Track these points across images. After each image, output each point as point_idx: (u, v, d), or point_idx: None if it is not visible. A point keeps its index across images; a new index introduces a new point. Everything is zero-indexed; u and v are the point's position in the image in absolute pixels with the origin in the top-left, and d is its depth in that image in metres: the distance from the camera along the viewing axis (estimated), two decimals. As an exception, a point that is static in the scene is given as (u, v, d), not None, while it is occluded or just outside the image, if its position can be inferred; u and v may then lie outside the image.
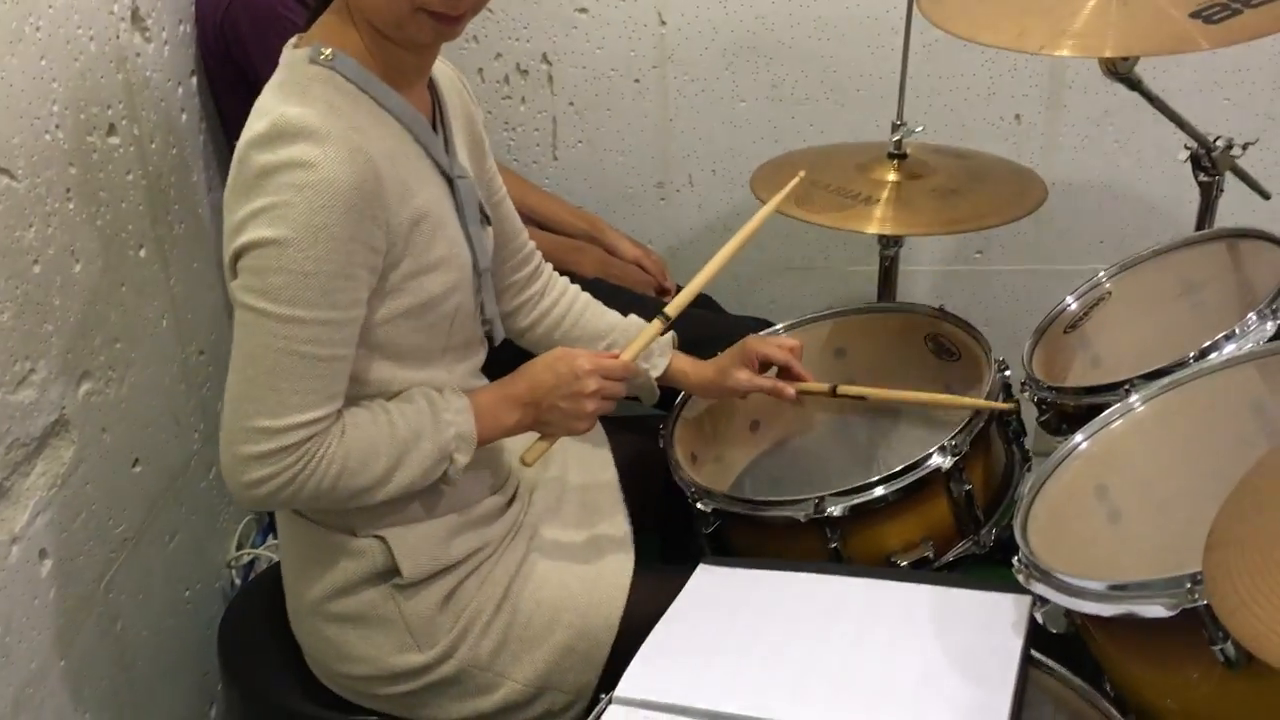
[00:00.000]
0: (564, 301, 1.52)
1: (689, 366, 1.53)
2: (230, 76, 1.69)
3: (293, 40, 1.21)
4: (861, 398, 1.54)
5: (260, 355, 1.10)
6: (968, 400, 1.48)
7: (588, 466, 1.51)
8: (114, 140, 1.48)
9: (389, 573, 1.25)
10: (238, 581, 1.83)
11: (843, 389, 1.53)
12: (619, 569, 1.36)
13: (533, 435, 1.33)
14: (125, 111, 1.51)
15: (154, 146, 1.59)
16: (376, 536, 1.24)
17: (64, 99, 1.36)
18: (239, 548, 1.85)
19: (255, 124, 1.10)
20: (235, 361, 1.12)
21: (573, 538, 1.41)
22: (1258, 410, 1.24)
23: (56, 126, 1.35)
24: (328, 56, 1.15)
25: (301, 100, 1.10)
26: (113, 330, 1.47)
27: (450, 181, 1.25)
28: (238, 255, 1.10)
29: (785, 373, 1.53)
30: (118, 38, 1.49)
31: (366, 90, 1.16)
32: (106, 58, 1.47)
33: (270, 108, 1.10)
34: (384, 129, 1.16)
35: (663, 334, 1.44)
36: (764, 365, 1.52)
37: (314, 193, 1.06)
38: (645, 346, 1.39)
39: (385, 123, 1.17)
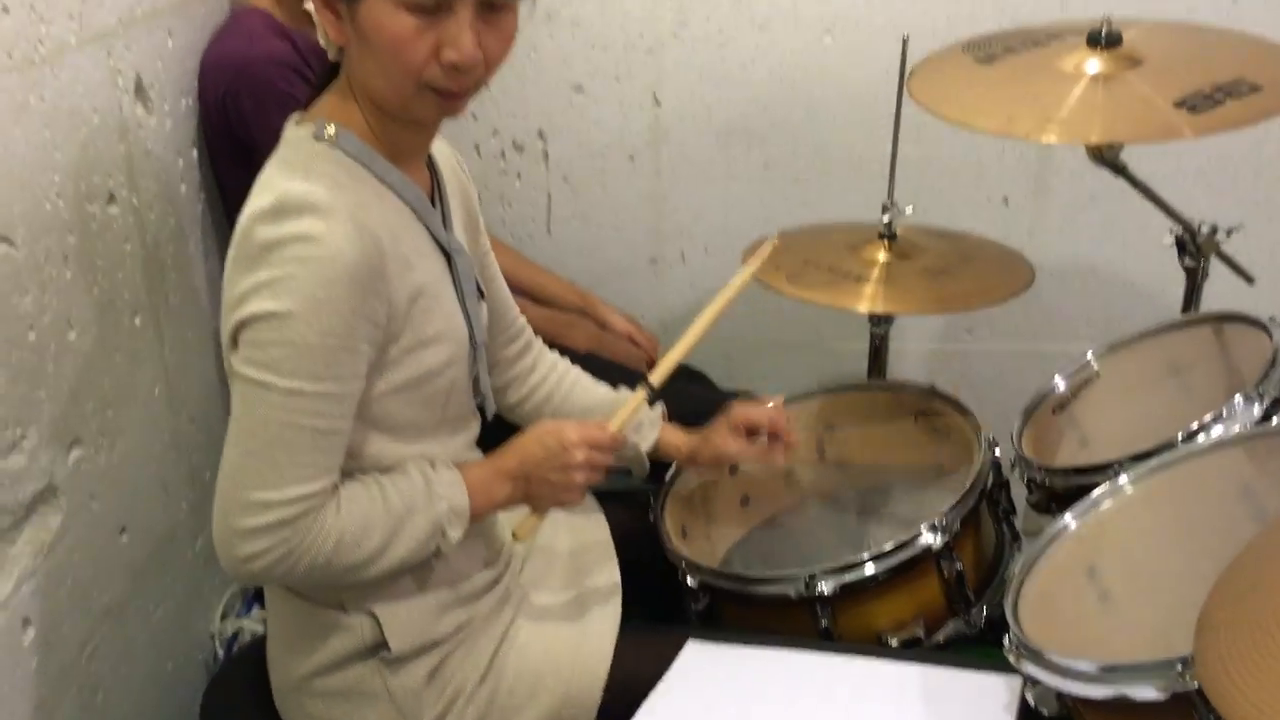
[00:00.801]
0: (553, 376, 1.53)
1: (678, 438, 1.54)
2: (231, 150, 1.71)
3: (294, 117, 1.22)
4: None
5: (260, 428, 1.10)
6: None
7: (579, 531, 1.51)
8: (113, 210, 1.50)
9: (377, 647, 1.24)
10: (221, 653, 1.81)
11: (831, 451, 1.54)
12: (603, 631, 1.34)
13: (523, 510, 1.33)
14: (125, 181, 1.53)
15: (153, 217, 1.60)
16: (367, 613, 1.23)
17: (65, 168, 1.38)
18: (223, 618, 1.83)
19: (259, 199, 1.11)
20: (233, 435, 1.12)
21: (559, 601, 1.40)
22: (1246, 492, 1.25)
23: (57, 195, 1.37)
24: (331, 135, 1.16)
25: (306, 176, 1.11)
26: (105, 397, 1.48)
27: (448, 256, 1.26)
28: (239, 328, 1.10)
29: (774, 438, 1.53)
30: (121, 110, 1.52)
31: (369, 167, 1.18)
32: (109, 129, 1.49)
33: (274, 183, 1.12)
34: (386, 205, 1.18)
35: (651, 404, 1.45)
36: (751, 431, 1.53)
37: (318, 266, 1.07)
38: (632, 416, 1.39)
39: (387, 199, 1.19)
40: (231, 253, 1.13)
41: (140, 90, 1.57)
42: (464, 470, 1.27)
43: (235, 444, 1.12)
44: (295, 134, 1.19)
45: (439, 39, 1.11)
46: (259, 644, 1.42)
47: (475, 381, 1.32)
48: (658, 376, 1.43)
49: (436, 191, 1.29)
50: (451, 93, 1.15)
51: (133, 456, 1.55)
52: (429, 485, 1.22)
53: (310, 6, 1.16)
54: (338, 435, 1.13)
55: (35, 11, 1.32)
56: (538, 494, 1.30)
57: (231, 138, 1.70)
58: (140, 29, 1.56)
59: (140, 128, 1.57)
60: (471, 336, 1.28)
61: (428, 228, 1.23)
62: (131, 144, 1.54)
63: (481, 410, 1.37)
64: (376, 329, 1.13)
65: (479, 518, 1.27)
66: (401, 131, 1.20)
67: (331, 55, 1.20)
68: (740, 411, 1.52)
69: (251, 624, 1.82)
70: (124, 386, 1.53)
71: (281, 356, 1.08)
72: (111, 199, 1.49)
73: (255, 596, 1.88)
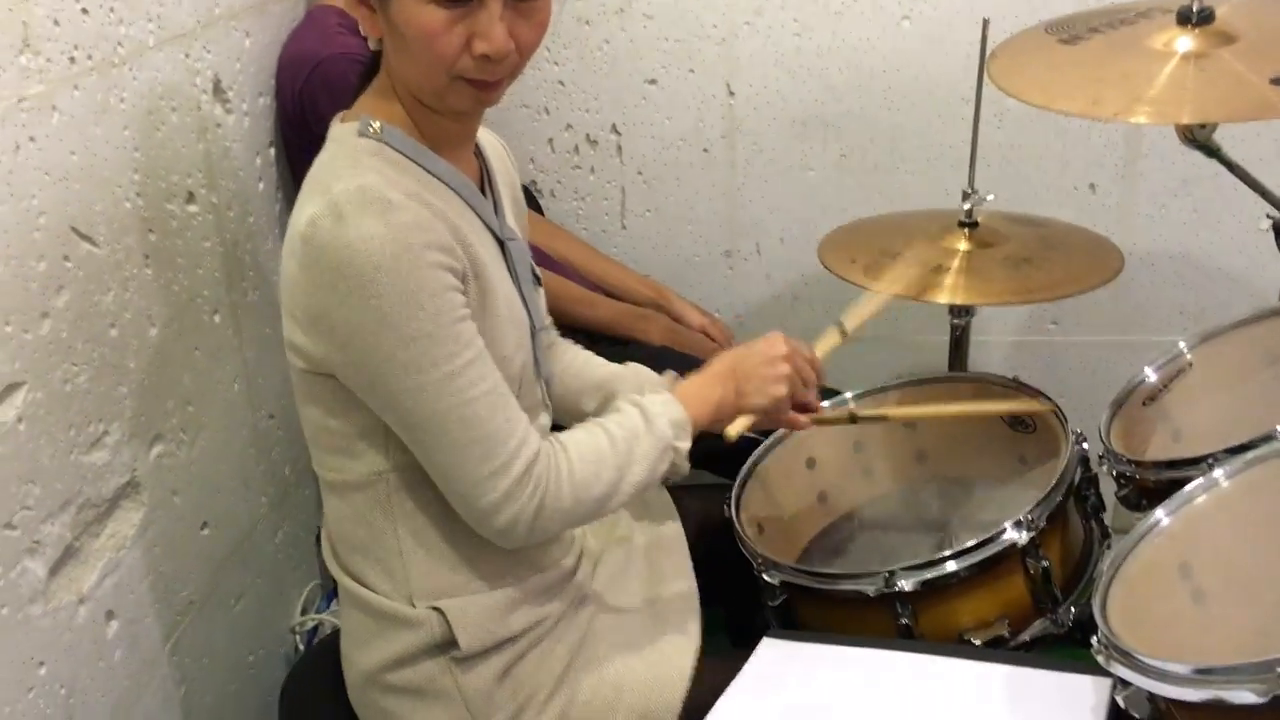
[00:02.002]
0: (567, 356, 1.51)
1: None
2: (308, 147, 1.71)
3: (339, 115, 1.22)
4: (882, 418, 1.58)
5: (444, 422, 1.12)
6: (997, 406, 1.52)
7: (653, 525, 1.50)
8: (192, 208, 1.52)
9: (447, 644, 1.24)
10: (301, 647, 1.83)
11: (862, 413, 1.56)
12: (683, 647, 1.33)
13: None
14: (204, 180, 1.55)
15: (231, 215, 1.62)
16: (434, 608, 1.23)
17: (145, 168, 1.40)
18: (303, 612, 1.85)
19: (313, 202, 1.10)
20: (425, 441, 1.14)
21: (636, 608, 1.38)
22: (1349, 487, 1.19)
23: (137, 194, 1.39)
24: (376, 129, 1.16)
25: (355, 172, 1.11)
26: (185, 393, 1.50)
27: (501, 244, 1.26)
28: (346, 345, 1.11)
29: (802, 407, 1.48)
30: (199, 109, 1.54)
31: (416, 159, 1.18)
32: (188, 128, 1.51)
33: (325, 184, 1.11)
34: (435, 195, 1.18)
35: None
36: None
37: (394, 262, 1.07)
38: (830, 350, 1.45)
39: (436, 189, 1.19)
40: (296, 258, 1.12)
41: (218, 90, 1.59)
42: (675, 387, 1.33)
43: (432, 446, 1.14)
44: (339, 131, 1.19)
45: (470, 30, 1.11)
46: (337, 637, 1.43)
47: (537, 366, 1.31)
48: (852, 322, 1.49)
49: (486, 180, 1.29)
50: (486, 83, 1.15)
51: (213, 452, 1.57)
52: (643, 410, 1.26)
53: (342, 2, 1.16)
54: (502, 384, 1.16)
55: (115, 14, 1.34)
56: (749, 390, 1.33)
57: (308, 135, 1.71)
58: (218, 29, 1.58)
59: (219, 127, 1.59)
60: (531, 323, 1.27)
61: (479, 215, 1.23)
62: (210, 143, 1.56)
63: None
64: (466, 295, 1.14)
65: (701, 424, 1.30)
66: (443, 123, 1.20)
67: (372, 45, 1.20)
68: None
69: (331, 618, 1.84)
70: (204, 383, 1.55)
71: (413, 356, 1.09)
72: (191, 198, 1.51)
73: (335, 591, 1.90)
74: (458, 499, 1.17)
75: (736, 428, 1.34)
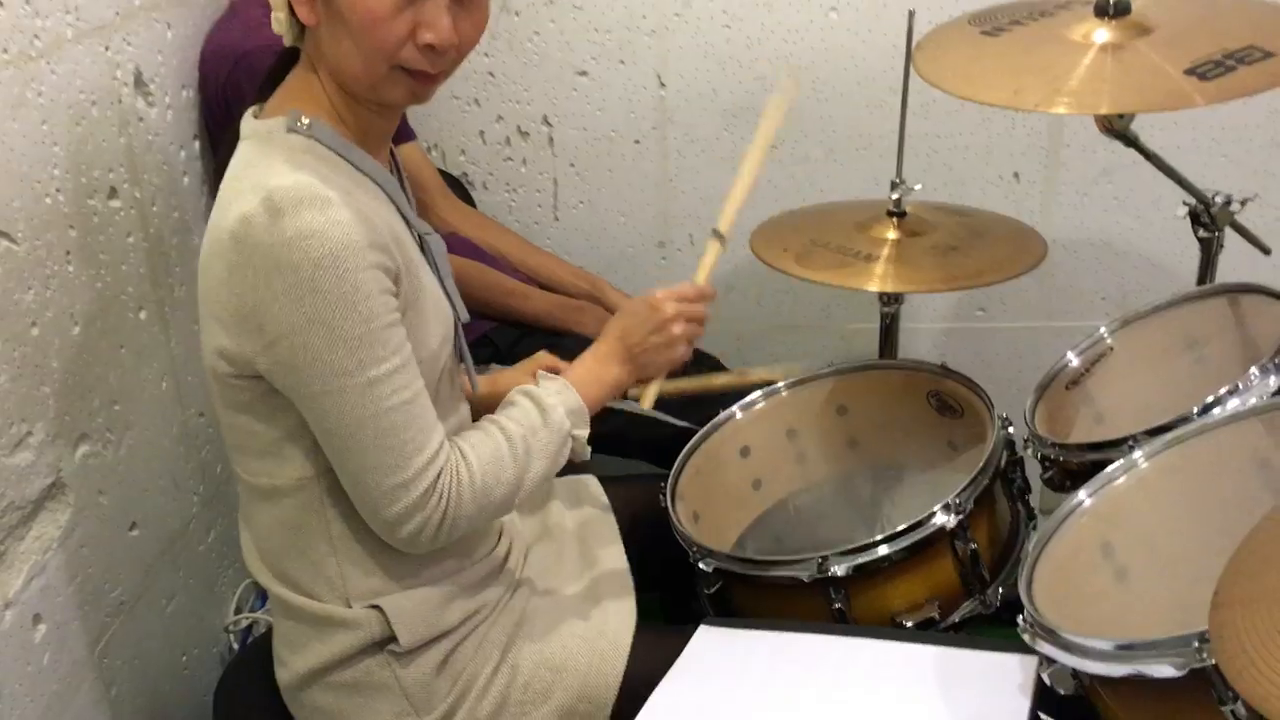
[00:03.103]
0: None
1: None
2: (233, 139, 1.70)
3: (250, 111, 1.21)
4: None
5: (358, 427, 1.11)
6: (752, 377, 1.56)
7: (584, 512, 1.51)
8: (115, 203, 1.49)
9: (385, 640, 1.23)
10: (236, 646, 1.81)
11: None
12: (619, 626, 1.34)
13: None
14: (127, 175, 1.52)
15: (155, 209, 1.59)
16: (372, 606, 1.23)
17: (65, 163, 1.38)
18: (237, 611, 1.83)
19: (244, 200, 1.08)
20: (336, 443, 1.13)
21: (572, 591, 1.39)
22: (1263, 465, 1.23)
23: (57, 190, 1.36)
24: (306, 125, 1.15)
25: (291, 168, 1.10)
26: (111, 392, 1.47)
27: (420, 239, 1.25)
28: (273, 344, 1.09)
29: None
30: (120, 102, 1.51)
31: (345, 156, 1.17)
32: (109, 122, 1.48)
33: (257, 180, 1.09)
34: (366, 192, 1.17)
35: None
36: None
37: (334, 260, 1.06)
38: (713, 266, 1.44)
39: (365, 186, 1.18)
40: (224, 259, 1.10)
41: (140, 82, 1.56)
42: (567, 371, 1.32)
43: (344, 452, 1.13)
44: (261, 127, 1.17)
45: (416, 20, 1.11)
46: (271, 636, 1.41)
47: (461, 358, 1.32)
48: (724, 223, 1.47)
49: (397, 177, 1.29)
50: (425, 75, 1.15)
51: (141, 451, 1.55)
52: (538, 403, 1.26)
53: None
54: (423, 394, 1.15)
55: (30, 5, 1.31)
56: (645, 362, 1.34)
57: (234, 126, 1.69)
58: (138, 20, 1.55)
59: (141, 120, 1.56)
60: (455, 316, 1.28)
61: (401, 212, 1.23)
62: (132, 136, 1.54)
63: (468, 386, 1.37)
64: (395, 298, 1.13)
65: (597, 406, 1.31)
66: (368, 117, 1.19)
67: (288, 40, 1.19)
68: (547, 359, 1.49)
69: (266, 616, 1.82)
70: (130, 381, 1.52)
71: (340, 358, 1.08)
72: (113, 193, 1.49)
73: (269, 589, 1.88)
74: (364, 506, 1.16)
75: (649, 399, 1.36)
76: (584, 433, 1.28)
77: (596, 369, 1.32)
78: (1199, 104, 1.32)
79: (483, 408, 1.33)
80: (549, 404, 1.26)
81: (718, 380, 1.61)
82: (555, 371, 1.43)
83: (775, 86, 1.59)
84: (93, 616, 1.43)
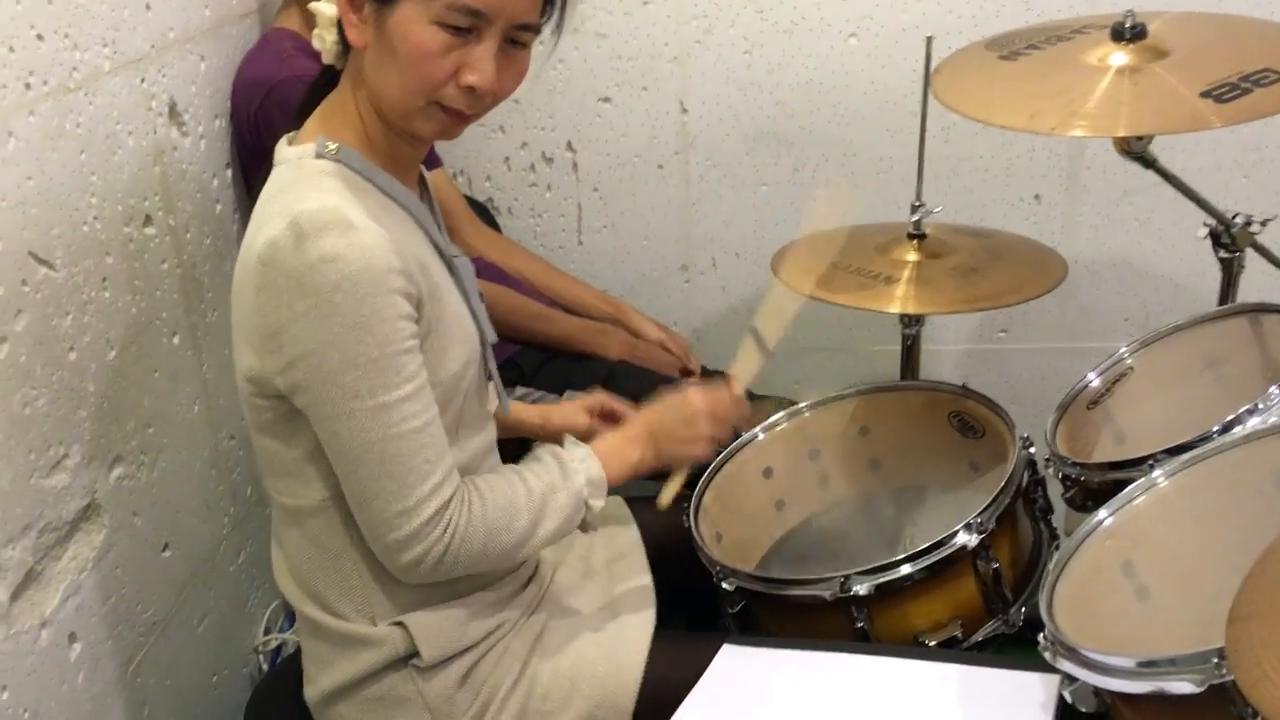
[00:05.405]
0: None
1: (527, 412, 1.53)
2: (265, 167, 1.74)
3: (285, 138, 1.24)
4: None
5: (365, 451, 1.13)
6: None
7: (613, 539, 1.52)
8: (150, 231, 1.52)
9: (409, 655, 1.25)
10: (265, 667, 1.83)
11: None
12: (637, 635, 1.35)
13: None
14: (161, 203, 1.56)
15: (189, 236, 1.63)
16: (397, 624, 1.25)
17: (102, 191, 1.41)
18: (267, 632, 1.85)
19: (271, 225, 1.11)
20: (344, 466, 1.15)
21: (592, 606, 1.41)
22: (1283, 483, 1.23)
23: (95, 218, 1.39)
24: (333, 150, 1.18)
25: (316, 193, 1.13)
26: (145, 415, 1.50)
27: (448, 262, 1.28)
28: (291, 366, 1.12)
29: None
30: (155, 132, 1.55)
31: (372, 180, 1.20)
32: (144, 152, 1.52)
33: (285, 205, 1.12)
34: (392, 216, 1.19)
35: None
36: (606, 417, 1.50)
37: (353, 284, 1.08)
38: (750, 368, 1.47)
39: (392, 210, 1.20)
40: (252, 282, 1.13)
41: (174, 113, 1.60)
42: (594, 444, 1.33)
43: (351, 474, 1.15)
44: (296, 153, 1.20)
45: (462, 61, 1.14)
46: (300, 657, 1.43)
47: (489, 379, 1.34)
48: (771, 338, 1.48)
49: (426, 201, 1.31)
50: (459, 114, 1.17)
51: (174, 474, 1.58)
52: (562, 464, 1.28)
53: (321, 6, 1.18)
54: (434, 423, 1.16)
55: (69, 39, 1.35)
56: (669, 453, 1.36)
57: (265, 157, 1.71)
58: (173, 53, 1.59)
59: (175, 150, 1.60)
60: (482, 337, 1.30)
61: (429, 236, 1.25)
62: (167, 165, 1.57)
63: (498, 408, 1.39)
64: (415, 324, 1.15)
65: (617, 483, 1.33)
66: (399, 145, 1.22)
67: (327, 59, 1.22)
68: (600, 399, 1.52)
69: (295, 637, 1.84)
70: (164, 405, 1.55)
71: (352, 381, 1.10)
72: (148, 220, 1.52)
73: (298, 610, 1.90)
74: (367, 530, 1.18)
75: (667, 496, 1.39)
76: (599, 504, 1.29)
77: (623, 448, 1.34)
78: (1215, 126, 1.33)
79: (518, 432, 1.35)
80: (573, 469, 1.28)
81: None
82: (610, 412, 1.49)
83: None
84: (126, 636, 1.46)
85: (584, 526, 1.30)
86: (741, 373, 1.46)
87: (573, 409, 1.51)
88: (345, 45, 1.19)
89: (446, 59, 1.13)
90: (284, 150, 1.22)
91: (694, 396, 1.37)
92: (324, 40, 1.20)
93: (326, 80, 1.25)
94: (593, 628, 1.36)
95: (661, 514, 1.59)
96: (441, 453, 1.17)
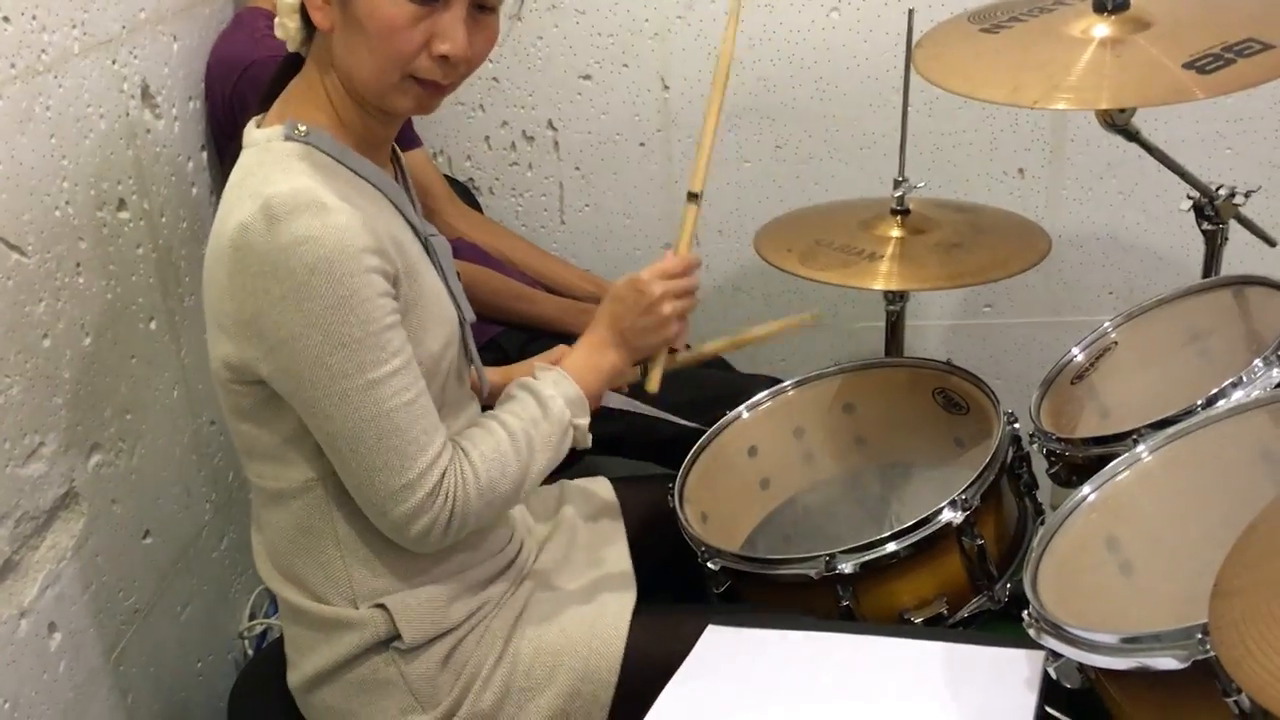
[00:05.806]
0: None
1: (495, 375, 1.50)
2: (239, 150, 1.72)
3: (252, 121, 1.22)
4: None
5: (361, 429, 1.12)
6: (771, 327, 1.53)
7: (593, 511, 1.52)
8: (124, 215, 1.51)
9: (390, 638, 1.25)
10: (250, 652, 1.82)
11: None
12: (619, 609, 1.35)
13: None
14: (135, 187, 1.54)
15: (164, 220, 1.61)
16: (378, 606, 1.24)
17: (74, 176, 1.39)
18: (251, 617, 1.85)
19: (242, 208, 1.10)
20: (341, 446, 1.14)
21: (573, 581, 1.41)
22: (1266, 457, 1.23)
23: (67, 203, 1.38)
24: (304, 133, 1.16)
25: (286, 175, 1.11)
26: (123, 402, 1.49)
27: (424, 241, 1.26)
28: (272, 351, 1.11)
29: None
30: (127, 115, 1.52)
31: (343, 161, 1.18)
32: (116, 135, 1.49)
33: (255, 189, 1.11)
34: (365, 197, 1.18)
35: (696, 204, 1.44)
36: None
37: (329, 265, 1.07)
38: (692, 231, 1.42)
39: (365, 191, 1.19)
40: (224, 268, 1.12)
41: (147, 95, 1.58)
42: (563, 360, 1.32)
43: (350, 455, 1.14)
44: (264, 135, 1.19)
45: (432, 30, 1.13)
46: (282, 643, 1.43)
47: (469, 359, 1.33)
48: (697, 183, 1.44)
49: (401, 180, 1.30)
50: (435, 85, 1.16)
51: (153, 460, 1.56)
52: (537, 395, 1.27)
53: None
54: (425, 394, 1.16)
55: (37, 21, 1.33)
56: (640, 344, 1.33)
57: (239, 136, 1.70)
58: (144, 34, 1.57)
59: (148, 132, 1.58)
60: (460, 317, 1.29)
61: (403, 215, 1.24)
62: (140, 148, 1.55)
63: (479, 388, 1.38)
64: (395, 300, 1.14)
65: (598, 395, 1.32)
66: (371, 123, 1.20)
67: (291, 47, 1.20)
68: (562, 351, 1.46)
69: (279, 622, 1.83)
70: (142, 391, 1.54)
71: (339, 362, 1.10)
72: (122, 204, 1.50)
73: (282, 595, 1.89)
74: (370, 508, 1.18)
75: (654, 381, 1.37)
76: (584, 421, 1.29)
77: (593, 357, 1.33)
78: (1198, 97, 1.32)
79: (496, 404, 1.34)
80: (547, 395, 1.27)
81: (708, 348, 1.53)
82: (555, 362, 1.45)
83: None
84: (108, 624, 1.45)
85: (576, 446, 1.28)
86: (684, 235, 1.41)
87: (535, 363, 1.48)
88: (309, 30, 1.18)
89: (416, 30, 1.12)
90: (252, 133, 1.20)
91: (645, 280, 1.31)
92: (287, 28, 1.19)
93: (290, 64, 1.23)
94: (575, 604, 1.36)
95: (646, 493, 1.59)
96: (435, 423, 1.17)
